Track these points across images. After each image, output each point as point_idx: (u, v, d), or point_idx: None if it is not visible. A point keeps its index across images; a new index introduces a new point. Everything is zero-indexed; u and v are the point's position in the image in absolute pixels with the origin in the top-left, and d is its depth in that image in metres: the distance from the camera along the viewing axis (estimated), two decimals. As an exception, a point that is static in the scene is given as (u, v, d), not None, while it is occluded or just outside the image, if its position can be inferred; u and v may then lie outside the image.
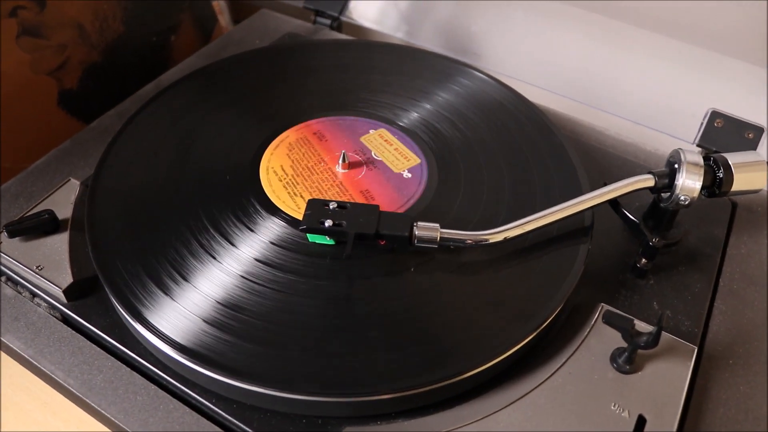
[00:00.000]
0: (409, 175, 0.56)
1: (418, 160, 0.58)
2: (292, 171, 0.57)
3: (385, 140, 0.60)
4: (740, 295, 0.55)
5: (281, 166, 0.57)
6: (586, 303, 0.51)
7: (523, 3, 0.81)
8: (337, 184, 0.55)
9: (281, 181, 0.56)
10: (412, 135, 0.61)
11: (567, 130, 0.69)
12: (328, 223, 0.48)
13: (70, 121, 0.76)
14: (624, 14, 0.76)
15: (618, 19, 0.76)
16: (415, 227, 0.48)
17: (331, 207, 0.49)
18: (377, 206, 0.49)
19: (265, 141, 0.59)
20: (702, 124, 0.64)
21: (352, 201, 0.53)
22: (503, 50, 0.82)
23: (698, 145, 0.65)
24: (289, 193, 0.54)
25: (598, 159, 0.65)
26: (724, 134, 0.64)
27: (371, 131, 0.61)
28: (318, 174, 0.56)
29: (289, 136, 0.60)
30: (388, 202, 0.54)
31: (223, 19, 0.95)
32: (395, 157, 0.58)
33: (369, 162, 0.58)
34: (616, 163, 0.65)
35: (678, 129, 0.70)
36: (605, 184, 0.53)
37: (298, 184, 0.55)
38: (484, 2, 0.82)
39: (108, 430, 0.48)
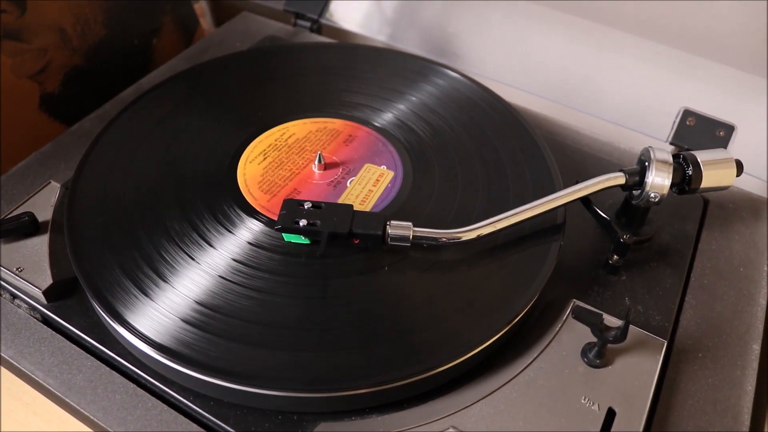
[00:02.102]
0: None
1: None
2: (293, 142, 0.61)
3: (377, 180, 0.58)
4: (710, 290, 0.56)
5: (294, 133, 0.62)
6: (558, 299, 0.52)
7: (504, 6, 0.81)
8: (293, 172, 0.58)
9: (276, 141, 0.60)
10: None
11: (543, 130, 0.70)
12: (303, 222, 0.49)
13: (51, 124, 0.76)
14: (601, 16, 0.77)
15: (596, 21, 0.77)
16: (388, 226, 0.49)
17: (305, 207, 0.50)
18: (351, 205, 0.50)
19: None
20: (674, 122, 0.66)
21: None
22: (484, 52, 0.83)
23: (671, 144, 0.66)
24: (263, 153, 0.59)
25: (573, 158, 0.67)
26: (696, 132, 0.65)
27: (383, 166, 0.60)
28: (298, 158, 0.60)
29: (335, 123, 0.63)
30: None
31: (205, 21, 0.96)
32: (357, 194, 0.56)
33: (338, 179, 0.58)
34: (591, 161, 0.66)
35: (654, 128, 0.71)
36: (577, 182, 0.54)
37: (278, 150, 0.60)
38: (467, 5, 0.83)
39: (88, 429, 0.48)
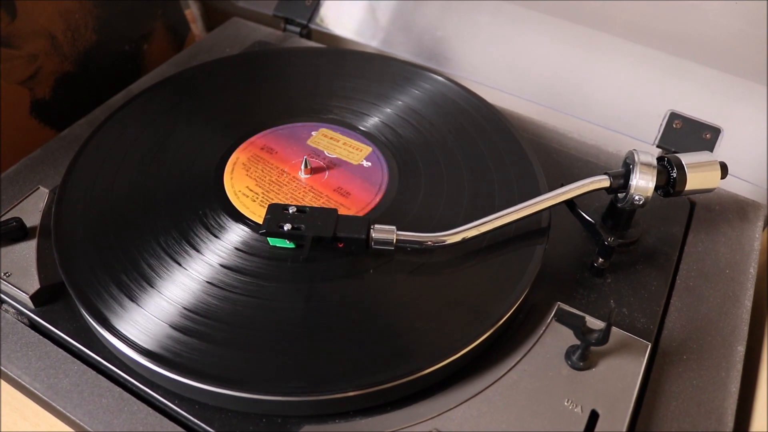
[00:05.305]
0: (369, 164, 0.59)
1: (370, 149, 0.61)
2: (261, 189, 0.57)
3: (331, 138, 0.62)
4: (696, 292, 0.56)
5: (247, 187, 0.57)
6: (543, 302, 0.52)
7: (493, 10, 0.82)
8: (309, 189, 0.57)
9: (255, 201, 0.56)
10: (355, 129, 0.63)
11: (530, 133, 0.70)
12: (287, 227, 0.49)
13: (42, 130, 0.77)
14: (589, 19, 0.77)
15: (584, 25, 0.77)
16: (372, 230, 0.49)
17: (290, 211, 0.50)
18: (335, 210, 0.50)
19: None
20: (661, 125, 0.66)
21: (316, 204, 0.54)
22: (473, 56, 0.83)
23: (658, 146, 0.66)
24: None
25: (560, 161, 0.67)
26: (682, 135, 0.65)
27: (313, 133, 0.63)
28: (286, 185, 0.57)
29: (239, 157, 0.60)
30: (363, 192, 0.56)
31: (196, 27, 0.96)
32: (347, 150, 0.60)
33: (328, 161, 0.59)
34: (578, 164, 0.66)
35: (641, 131, 0.71)
36: (563, 186, 0.54)
37: (272, 199, 0.56)
38: (456, 9, 0.83)
39: (74, 432, 0.49)
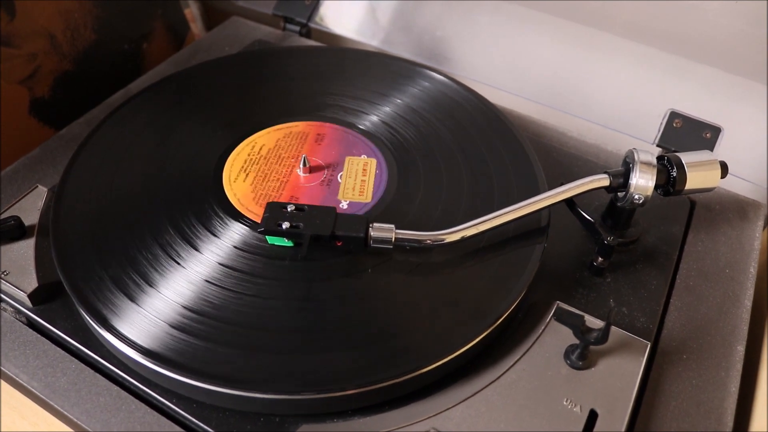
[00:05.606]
0: (345, 207, 0.55)
1: (369, 200, 0.56)
2: (261, 155, 0.60)
3: (363, 169, 0.59)
4: (695, 292, 0.56)
5: (264, 144, 0.61)
6: (542, 301, 0.52)
7: (493, 10, 0.82)
8: (283, 183, 0.57)
9: (249, 156, 0.59)
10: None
11: (530, 132, 0.70)
12: (286, 225, 0.49)
13: (41, 129, 0.76)
14: (589, 19, 0.77)
15: (584, 25, 0.77)
16: (370, 228, 0.49)
17: (288, 209, 0.50)
18: (334, 208, 0.50)
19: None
20: (661, 124, 0.66)
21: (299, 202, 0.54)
22: (473, 55, 0.83)
23: (658, 145, 0.66)
24: (242, 169, 0.58)
25: (560, 160, 0.67)
26: (682, 134, 0.65)
27: (362, 156, 0.60)
28: (279, 168, 0.59)
29: (298, 125, 0.63)
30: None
31: (196, 26, 0.96)
32: (352, 186, 0.57)
33: (327, 177, 0.58)
34: (578, 163, 0.66)
35: (642, 130, 0.71)
36: (562, 185, 0.54)
37: (256, 163, 0.59)
38: (456, 8, 0.83)
39: (72, 431, 0.48)
